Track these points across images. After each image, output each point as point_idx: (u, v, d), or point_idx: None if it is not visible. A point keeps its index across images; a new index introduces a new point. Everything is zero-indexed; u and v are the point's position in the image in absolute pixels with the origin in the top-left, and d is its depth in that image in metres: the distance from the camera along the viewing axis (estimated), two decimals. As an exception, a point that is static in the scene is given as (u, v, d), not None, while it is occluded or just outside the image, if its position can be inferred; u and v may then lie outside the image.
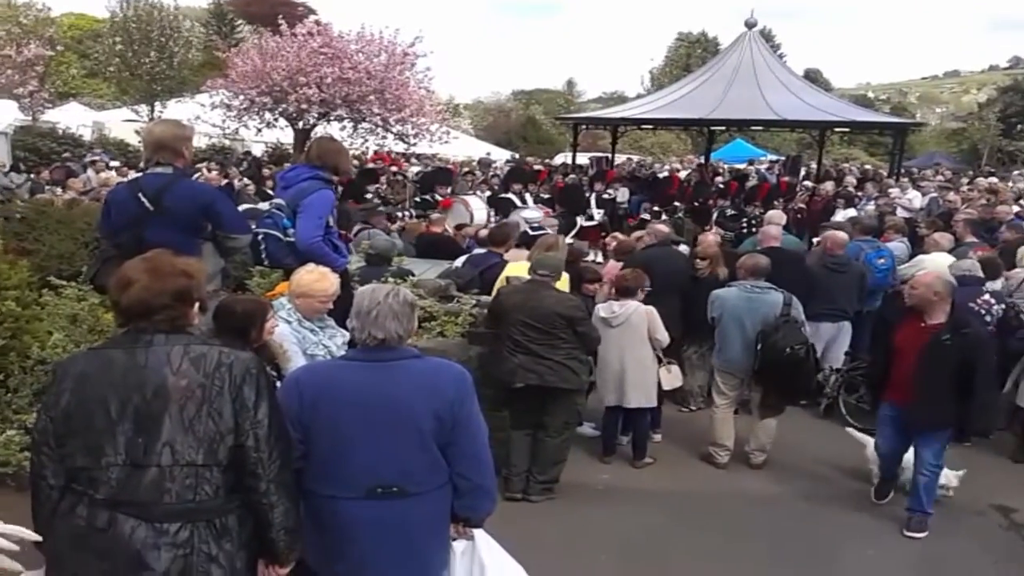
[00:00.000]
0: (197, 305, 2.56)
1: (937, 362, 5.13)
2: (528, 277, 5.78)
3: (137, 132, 16.56)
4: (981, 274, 7.10)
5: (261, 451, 2.45)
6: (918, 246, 9.55)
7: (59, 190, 13.55)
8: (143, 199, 4.24)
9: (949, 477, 5.67)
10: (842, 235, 8.24)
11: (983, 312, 6.78)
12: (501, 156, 28.19)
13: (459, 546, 3.07)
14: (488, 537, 3.16)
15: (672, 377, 6.33)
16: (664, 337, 6.15)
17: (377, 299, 2.87)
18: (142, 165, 4.82)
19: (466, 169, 21.72)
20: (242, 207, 7.38)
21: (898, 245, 9.38)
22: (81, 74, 33.88)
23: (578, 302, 5.75)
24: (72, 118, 24.23)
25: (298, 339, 4.22)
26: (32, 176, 16.09)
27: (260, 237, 4.80)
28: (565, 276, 6.20)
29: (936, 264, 8.08)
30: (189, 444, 2.37)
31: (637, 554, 5.00)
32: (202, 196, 4.43)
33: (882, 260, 8.56)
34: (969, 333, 5.20)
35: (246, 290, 6.01)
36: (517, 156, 26.35)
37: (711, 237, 8.49)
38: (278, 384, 3.85)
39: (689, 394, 7.54)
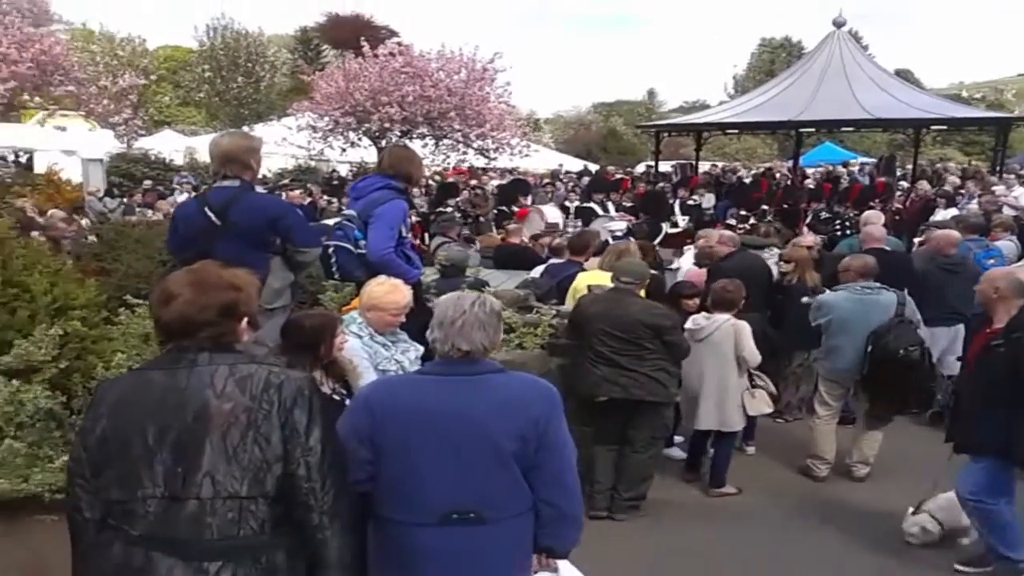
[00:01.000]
0: (246, 320, 2.35)
1: (984, 371, 4.40)
2: (611, 285, 5.49)
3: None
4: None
5: (313, 480, 2.21)
6: (1029, 244, 8.94)
7: (150, 212, 14.00)
8: (209, 213, 4.13)
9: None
10: (955, 234, 7.67)
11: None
12: (575, 167, 27.93)
13: None
14: (574, 570, 2.89)
15: (757, 402, 5.74)
16: (752, 356, 5.64)
17: (463, 308, 2.66)
18: (209, 179, 4.76)
19: (546, 180, 21.54)
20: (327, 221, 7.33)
21: (1007, 244, 8.77)
22: (175, 103, 35.29)
23: (665, 310, 5.42)
24: (165, 144, 25.17)
25: (369, 354, 4.04)
26: (125, 200, 16.71)
27: (331, 250, 4.64)
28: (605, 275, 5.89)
29: (1050, 263, 7.54)
30: (232, 474, 2.15)
31: (733, 574, 4.67)
32: (270, 209, 4.30)
33: (992, 260, 7.97)
34: (1020, 337, 4.25)
35: (320, 304, 5.92)
36: (587, 166, 25.99)
37: (809, 239, 8.00)
38: (347, 403, 3.74)
39: (788, 405, 7.10)
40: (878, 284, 5.88)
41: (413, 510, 2.59)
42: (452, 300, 2.72)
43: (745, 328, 5.62)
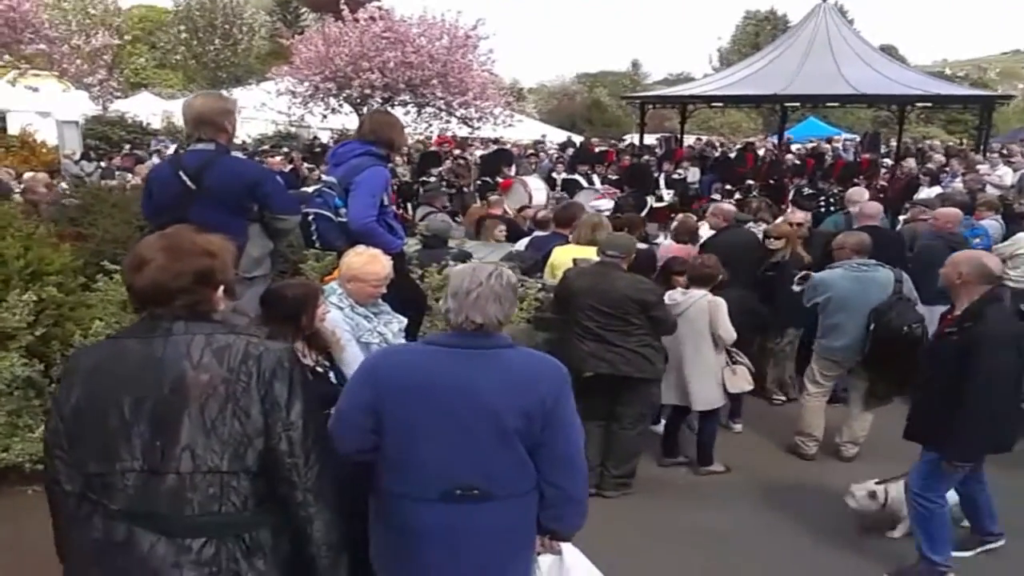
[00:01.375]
0: (222, 289, 2.24)
1: (934, 362, 4.27)
2: (588, 259, 5.40)
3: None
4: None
5: (296, 456, 2.13)
6: (1013, 224, 8.98)
7: (129, 176, 13.73)
8: (184, 177, 3.99)
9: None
10: (956, 210, 7.62)
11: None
12: (559, 138, 27.74)
13: (544, 561, 2.75)
14: (577, 552, 2.85)
15: (738, 379, 5.62)
16: (728, 333, 5.50)
17: (479, 279, 2.57)
18: (184, 143, 4.61)
19: (529, 151, 21.36)
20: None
21: (992, 223, 8.76)
22: (151, 64, 34.61)
23: (651, 284, 5.33)
24: (142, 107, 24.71)
25: (351, 326, 3.93)
26: (102, 164, 16.40)
27: (310, 218, 4.50)
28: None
29: (1038, 243, 7.53)
30: (212, 448, 2.06)
31: (722, 551, 4.65)
32: (247, 174, 4.16)
33: (977, 239, 7.95)
34: (973, 326, 4.05)
35: (301, 274, 5.79)
36: (571, 137, 25.83)
37: (799, 215, 7.90)
38: (331, 376, 3.63)
39: (777, 385, 7.06)
40: (874, 261, 5.83)
41: (415, 484, 2.53)
42: (468, 271, 2.64)
43: (721, 305, 5.51)
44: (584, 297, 5.12)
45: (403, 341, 4.16)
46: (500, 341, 2.60)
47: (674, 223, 8.42)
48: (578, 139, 24.76)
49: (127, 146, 18.97)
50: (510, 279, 2.64)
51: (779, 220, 8.00)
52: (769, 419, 6.64)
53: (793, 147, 22.21)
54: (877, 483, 4.86)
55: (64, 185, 10.50)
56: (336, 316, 3.85)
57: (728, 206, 8.04)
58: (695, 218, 8.40)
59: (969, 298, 4.15)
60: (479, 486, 2.49)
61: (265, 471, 2.13)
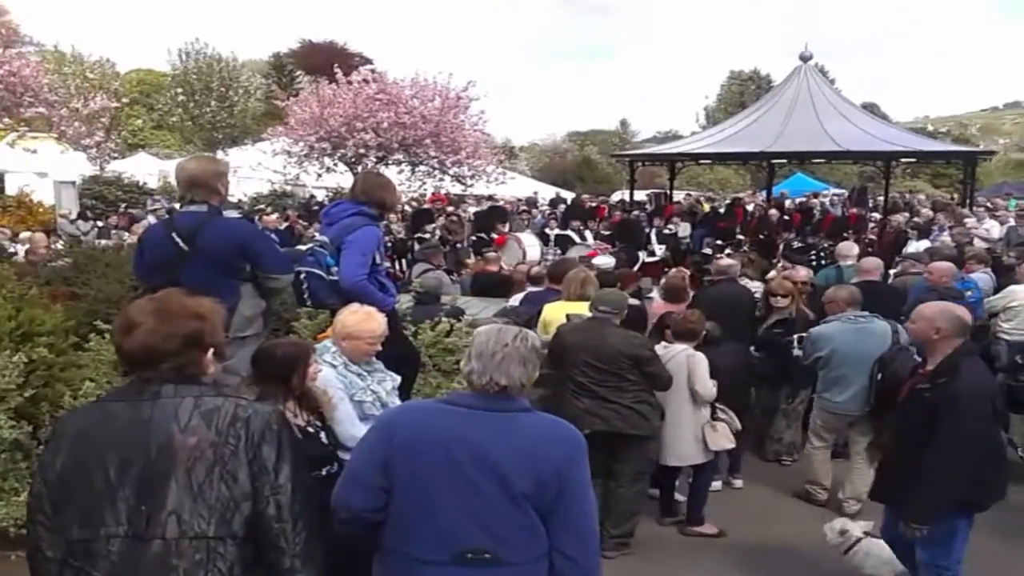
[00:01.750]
0: (211, 351, 2.24)
1: (906, 419, 4.03)
2: (581, 314, 5.40)
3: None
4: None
5: (284, 520, 2.10)
6: (1002, 277, 8.97)
7: (125, 235, 13.82)
8: (176, 238, 4.02)
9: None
10: (950, 265, 7.66)
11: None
12: (548, 194, 28.02)
13: None
14: None
15: (718, 436, 5.47)
16: (705, 389, 5.39)
17: (504, 341, 2.55)
18: (177, 204, 4.65)
19: (522, 208, 21.57)
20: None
21: (982, 276, 8.79)
22: (148, 126, 35.04)
23: (644, 340, 5.33)
24: (139, 168, 25.00)
25: (344, 384, 3.92)
26: (99, 223, 16.52)
27: (302, 276, 4.52)
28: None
29: (1028, 296, 7.56)
30: (199, 513, 2.04)
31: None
32: (238, 234, 4.19)
33: (968, 292, 7.98)
34: (947, 382, 3.82)
35: (293, 332, 5.78)
36: (559, 193, 26.14)
37: (802, 273, 7.89)
38: (322, 436, 3.61)
39: (790, 446, 6.92)
40: (867, 313, 5.86)
41: (425, 545, 2.48)
42: (493, 332, 2.62)
43: (700, 360, 5.45)
44: (577, 353, 5.11)
45: (396, 400, 4.15)
46: (519, 405, 2.58)
47: (663, 280, 8.47)
48: (569, 195, 25.04)
49: (123, 205, 19.11)
50: (534, 341, 2.64)
51: (776, 275, 8.02)
52: (775, 476, 6.56)
53: (785, 202, 22.44)
54: (864, 531, 4.70)
55: (60, 244, 10.56)
56: (329, 374, 3.85)
57: (726, 261, 8.04)
58: (684, 274, 8.44)
59: (943, 352, 3.95)
60: (490, 550, 2.45)
61: (252, 536, 2.10)
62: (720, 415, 5.55)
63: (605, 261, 11.02)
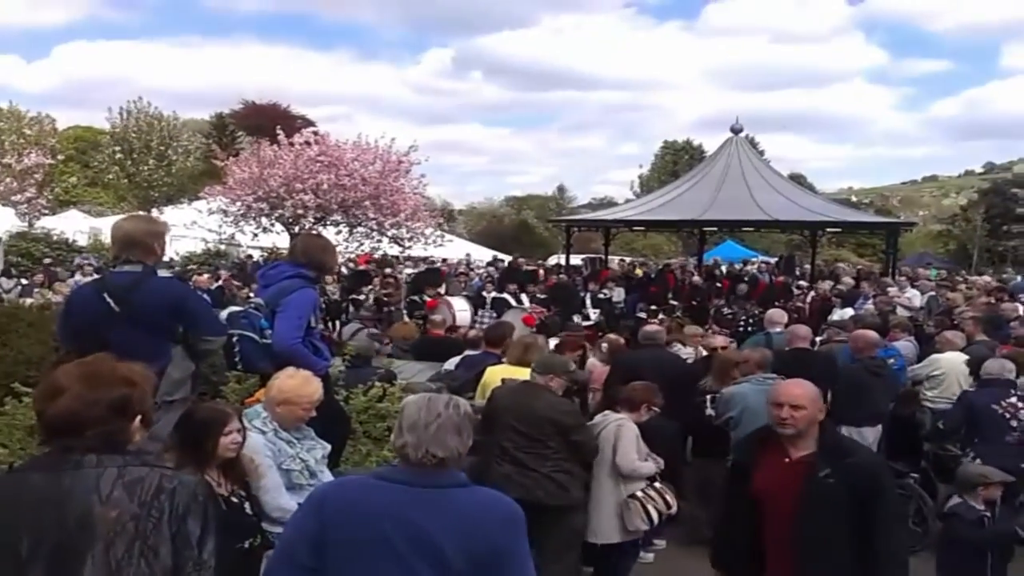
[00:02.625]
0: (139, 419, 2.18)
1: (821, 515, 3.36)
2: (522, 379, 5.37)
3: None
4: (1012, 375, 6.63)
5: None
6: (925, 345, 9.29)
7: (49, 294, 13.38)
8: (108, 299, 3.94)
9: None
10: (872, 334, 7.84)
11: (1008, 417, 6.32)
12: (484, 257, 28.20)
13: None
14: None
15: (632, 515, 5.14)
16: (624, 460, 5.16)
17: (436, 411, 2.46)
18: (110, 263, 4.56)
19: (459, 270, 21.65)
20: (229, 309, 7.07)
21: (905, 344, 9.11)
22: (82, 183, 34.34)
23: (573, 407, 5.25)
24: (69, 224, 24.36)
25: (273, 452, 3.85)
26: (23, 281, 16.00)
27: (235, 339, 4.46)
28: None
29: (952, 364, 7.85)
30: None
31: None
32: (172, 295, 4.13)
33: (892, 360, 8.24)
34: (855, 461, 3.46)
35: (221, 397, 5.66)
36: (496, 256, 26.37)
37: (720, 339, 8.10)
38: (246, 507, 3.52)
39: None
40: (775, 375, 5.98)
41: None
42: (423, 402, 2.52)
43: (627, 431, 5.27)
44: (506, 416, 5.01)
45: (325, 469, 4.08)
46: (456, 479, 2.49)
47: (603, 344, 8.55)
48: (506, 258, 25.27)
49: (47, 261, 18.57)
50: (466, 408, 2.57)
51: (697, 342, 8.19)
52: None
53: (718, 269, 23.02)
54: None
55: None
56: (258, 441, 3.78)
57: (652, 327, 8.15)
58: (621, 339, 8.57)
59: (813, 435, 3.48)
60: None
61: None
62: (642, 493, 5.26)
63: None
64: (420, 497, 2.42)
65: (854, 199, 68.56)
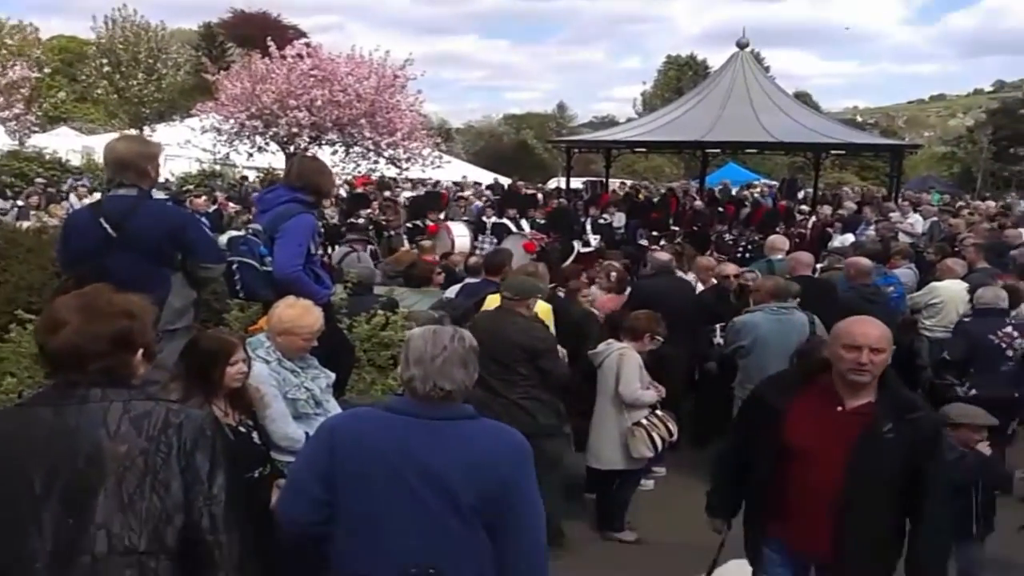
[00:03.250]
0: (141, 352, 2.14)
1: (876, 473, 3.03)
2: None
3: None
4: (1006, 304, 6.62)
5: (218, 533, 2.01)
6: (925, 272, 9.24)
7: (46, 217, 13.22)
8: (105, 224, 3.85)
9: None
10: (866, 262, 7.79)
11: (1004, 347, 6.33)
12: (485, 179, 27.89)
13: None
14: None
15: (636, 443, 5.19)
16: (627, 390, 5.19)
17: (442, 343, 2.46)
18: (104, 187, 4.45)
19: (458, 194, 21.44)
20: (229, 234, 6.96)
21: (905, 271, 9.06)
22: (71, 99, 33.64)
23: (545, 332, 5.10)
24: (61, 143, 23.93)
25: (277, 381, 3.83)
26: (19, 203, 15.78)
27: (234, 267, 4.36)
28: (548, 308, 5.61)
29: (951, 292, 7.81)
30: (129, 526, 1.94)
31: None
32: (170, 220, 4.05)
33: (891, 288, 8.21)
34: (919, 418, 3.10)
35: (224, 324, 5.62)
36: (498, 179, 26.06)
37: (731, 267, 7.95)
38: (254, 436, 3.52)
39: None
40: (790, 304, 5.96)
41: (370, 561, 2.41)
42: (429, 335, 2.52)
43: (629, 360, 5.29)
44: (481, 342, 5.00)
45: (331, 398, 4.07)
46: (462, 412, 2.51)
47: (611, 272, 8.49)
48: (506, 181, 25.01)
49: (42, 183, 18.29)
50: (471, 342, 2.56)
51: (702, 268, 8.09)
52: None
53: (717, 192, 22.81)
54: None
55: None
56: (262, 370, 3.76)
57: (662, 255, 8.03)
58: (620, 265, 8.50)
59: (873, 383, 3.10)
60: (435, 566, 2.38)
61: (185, 551, 2.01)
62: (646, 420, 5.33)
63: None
64: (428, 429, 2.43)
65: (859, 119, 67.58)
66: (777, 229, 13.13)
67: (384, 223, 13.82)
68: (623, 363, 5.29)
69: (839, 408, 3.09)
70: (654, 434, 5.28)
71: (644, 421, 5.30)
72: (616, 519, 5.51)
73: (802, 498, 3.13)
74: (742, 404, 3.57)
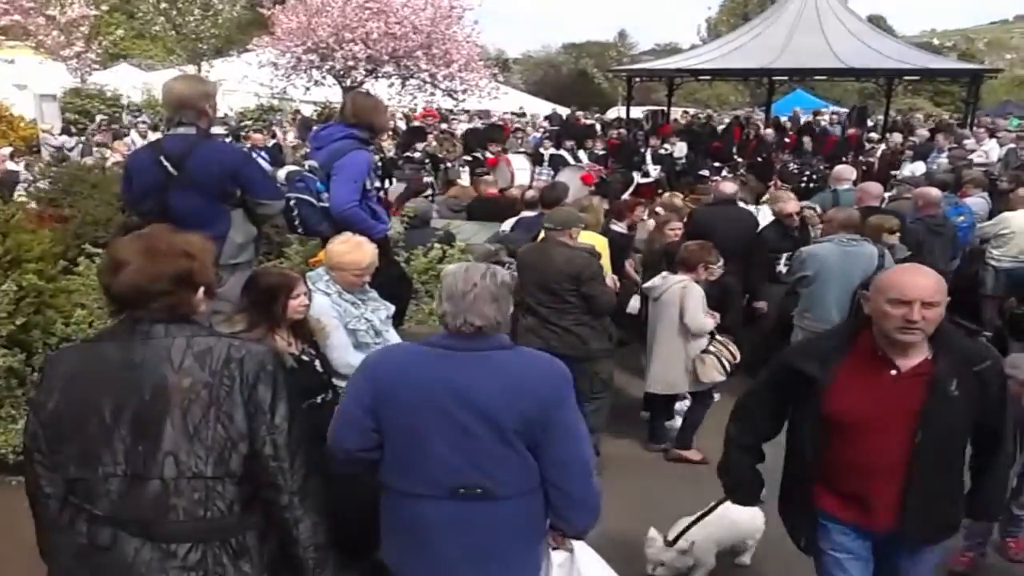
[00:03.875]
0: (202, 290, 2.20)
1: (946, 437, 2.74)
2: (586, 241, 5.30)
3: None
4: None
5: (281, 459, 2.12)
6: (999, 201, 8.87)
7: (107, 152, 13.52)
8: (165, 163, 3.91)
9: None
10: (935, 192, 7.52)
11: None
12: (542, 110, 27.46)
13: (557, 557, 2.72)
14: (590, 551, 2.78)
15: (708, 369, 5.38)
16: (694, 322, 5.31)
17: (472, 280, 2.51)
18: (163, 126, 4.51)
19: (516, 125, 21.22)
20: (286, 169, 7.03)
21: (977, 201, 8.70)
22: (130, 35, 33.96)
23: (589, 259, 5.16)
24: (122, 80, 24.30)
25: (339, 312, 3.90)
26: (82, 139, 16.16)
27: (292, 203, 4.41)
28: (603, 241, 5.72)
29: (1022, 223, 7.52)
30: (196, 453, 2.04)
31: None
32: (228, 159, 4.07)
33: (961, 217, 7.94)
34: (985, 369, 2.73)
35: (284, 258, 5.72)
36: (556, 109, 25.62)
37: (792, 205, 7.62)
38: (316, 364, 3.60)
39: None
40: (860, 236, 5.83)
41: (421, 482, 2.51)
42: (460, 272, 2.58)
43: (693, 292, 5.37)
44: (528, 272, 5.07)
45: (391, 328, 4.13)
46: (498, 342, 2.55)
47: (658, 203, 8.35)
48: (564, 111, 24.61)
49: (104, 120, 18.63)
50: (503, 277, 2.59)
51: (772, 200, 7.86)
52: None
53: (786, 121, 22.06)
54: (676, 536, 3.94)
55: (46, 157, 10.28)
56: (323, 302, 3.82)
57: (728, 185, 7.82)
58: (680, 197, 8.35)
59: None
60: (482, 485, 2.47)
61: (250, 475, 2.11)
62: (711, 348, 5.44)
63: None
64: (465, 360, 2.50)
65: (936, 42, 64.37)
66: (845, 159, 12.70)
67: (441, 156, 13.80)
68: (686, 296, 5.35)
69: (892, 372, 2.71)
70: (722, 359, 5.43)
71: (712, 348, 5.45)
72: (686, 438, 5.64)
73: (858, 471, 2.81)
74: (768, 376, 3.02)
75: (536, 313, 5.04)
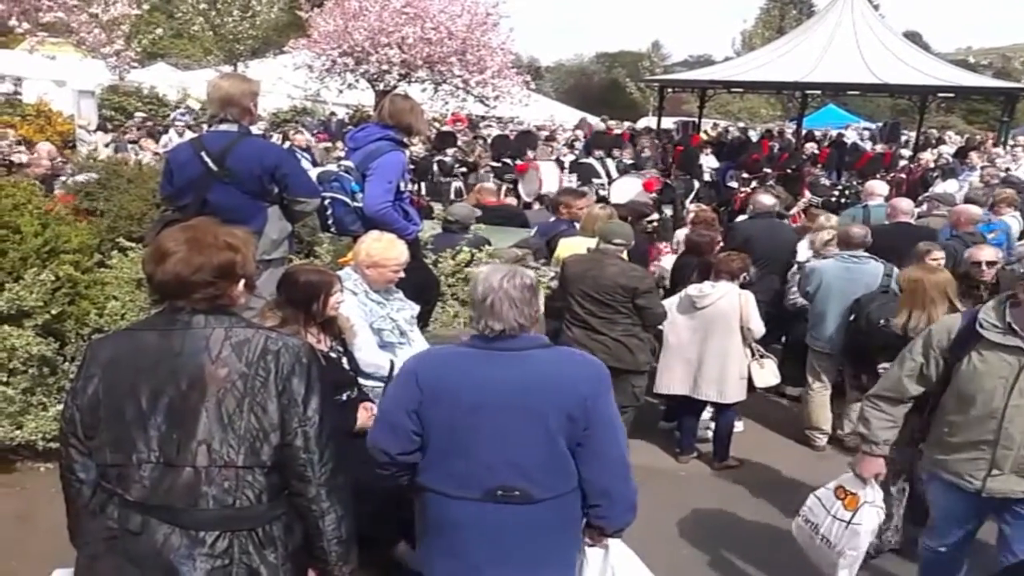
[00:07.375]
0: (243, 283, 2.25)
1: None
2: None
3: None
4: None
5: (311, 451, 2.15)
6: (1034, 221, 8.80)
7: (139, 150, 13.74)
8: (206, 159, 4.00)
9: None
10: (975, 210, 7.52)
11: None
12: (570, 119, 27.42)
13: (592, 554, 2.75)
14: (625, 549, 2.83)
15: (765, 373, 5.58)
16: (758, 327, 5.48)
17: (491, 284, 2.54)
18: (206, 122, 4.60)
19: (546, 133, 21.26)
20: (322, 169, 7.10)
21: (1012, 219, 8.63)
22: (168, 34, 34.44)
23: (644, 272, 5.29)
24: (159, 78, 24.62)
25: (364, 312, 3.99)
26: (117, 136, 16.41)
27: (327, 202, 4.51)
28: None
29: (1055, 243, 7.46)
30: (228, 443, 2.09)
31: (716, 542, 4.60)
32: (268, 157, 4.15)
33: (993, 235, 7.88)
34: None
35: (314, 256, 5.79)
36: (587, 118, 25.60)
37: (820, 219, 7.61)
38: (344, 361, 3.66)
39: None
40: (865, 254, 5.83)
41: (459, 484, 2.54)
42: (482, 276, 2.61)
43: (751, 299, 5.52)
44: (577, 283, 5.12)
45: (415, 329, 4.19)
46: (533, 342, 2.58)
47: (690, 215, 8.35)
48: (594, 120, 24.61)
49: (140, 117, 18.88)
50: (524, 280, 2.60)
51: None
52: (777, 415, 6.59)
53: (817, 132, 21.88)
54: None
55: (79, 156, 10.45)
56: (350, 301, 3.88)
57: (766, 197, 7.80)
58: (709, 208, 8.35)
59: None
60: (520, 488, 2.49)
61: (279, 466, 2.15)
62: (764, 353, 5.64)
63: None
64: (503, 360, 2.53)
65: (972, 60, 63.48)
66: (878, 175, 12.60)
67: (468, 160, 13.87)
68: (747, 302, 5.46)
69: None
70: (774, 363, 5.64)
71: (766, 354, 5.64)
72: (726, 448, 5.71)
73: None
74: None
75: (584, 324, 5.09)
